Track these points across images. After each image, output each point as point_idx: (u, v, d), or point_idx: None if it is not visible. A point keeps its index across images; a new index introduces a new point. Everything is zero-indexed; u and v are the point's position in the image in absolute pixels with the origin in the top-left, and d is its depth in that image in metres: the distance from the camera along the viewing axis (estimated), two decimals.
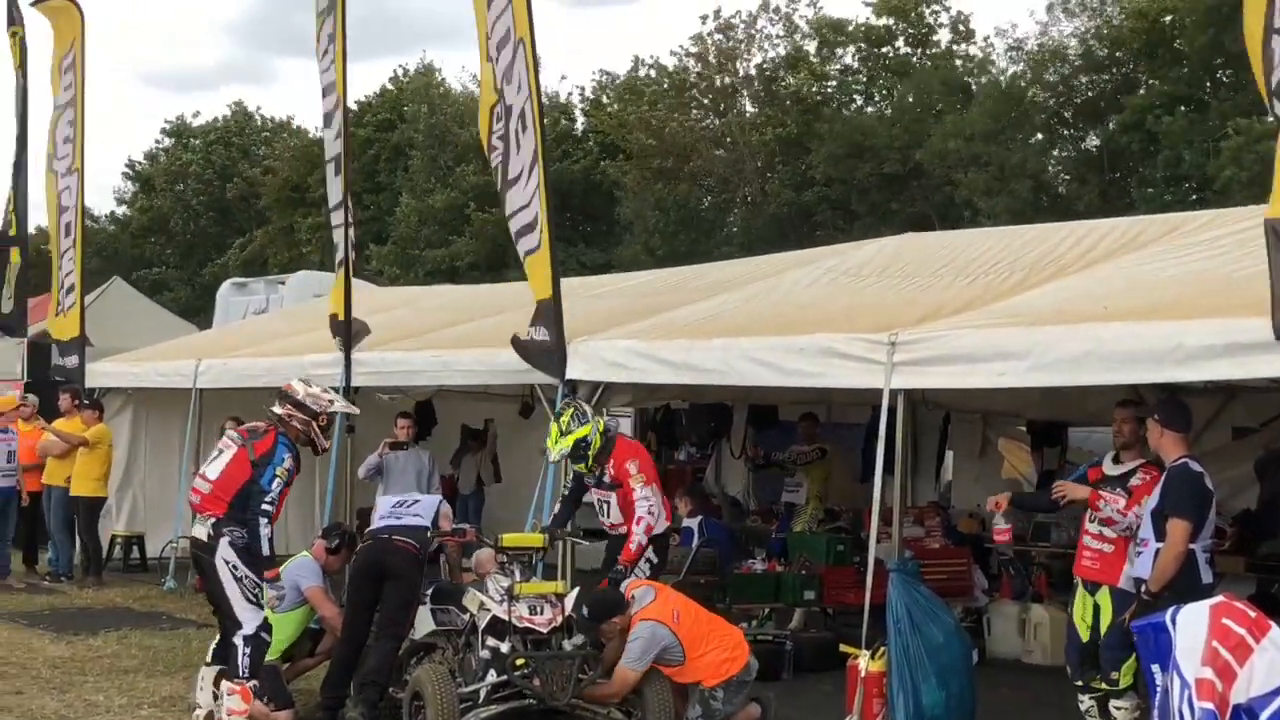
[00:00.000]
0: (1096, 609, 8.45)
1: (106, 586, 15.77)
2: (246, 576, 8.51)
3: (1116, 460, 8.63)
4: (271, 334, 17.23)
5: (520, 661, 8.42)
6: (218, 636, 8.76)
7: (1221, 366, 7.45)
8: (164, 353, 18.13)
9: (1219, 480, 11.97)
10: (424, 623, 8.97)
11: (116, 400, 17.91)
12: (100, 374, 17.69)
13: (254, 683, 8.42)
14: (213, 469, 8.73)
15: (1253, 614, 7.07)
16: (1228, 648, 6.86)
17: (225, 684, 8.38)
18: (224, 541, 8.49)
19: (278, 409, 8.88)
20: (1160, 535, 7.77)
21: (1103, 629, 8.39)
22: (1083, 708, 8.55)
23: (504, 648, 8.52)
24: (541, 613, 8.64)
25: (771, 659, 10.59)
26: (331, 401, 9.17)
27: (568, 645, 8.68)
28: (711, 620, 9.07)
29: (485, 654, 8.55)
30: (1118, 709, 8.34)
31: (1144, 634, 7.22)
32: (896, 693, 8.78)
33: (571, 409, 9.93)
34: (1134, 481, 8.44)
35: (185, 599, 14.90)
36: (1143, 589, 7.82)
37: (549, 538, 9.89)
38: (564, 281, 11.25)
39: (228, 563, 8.49)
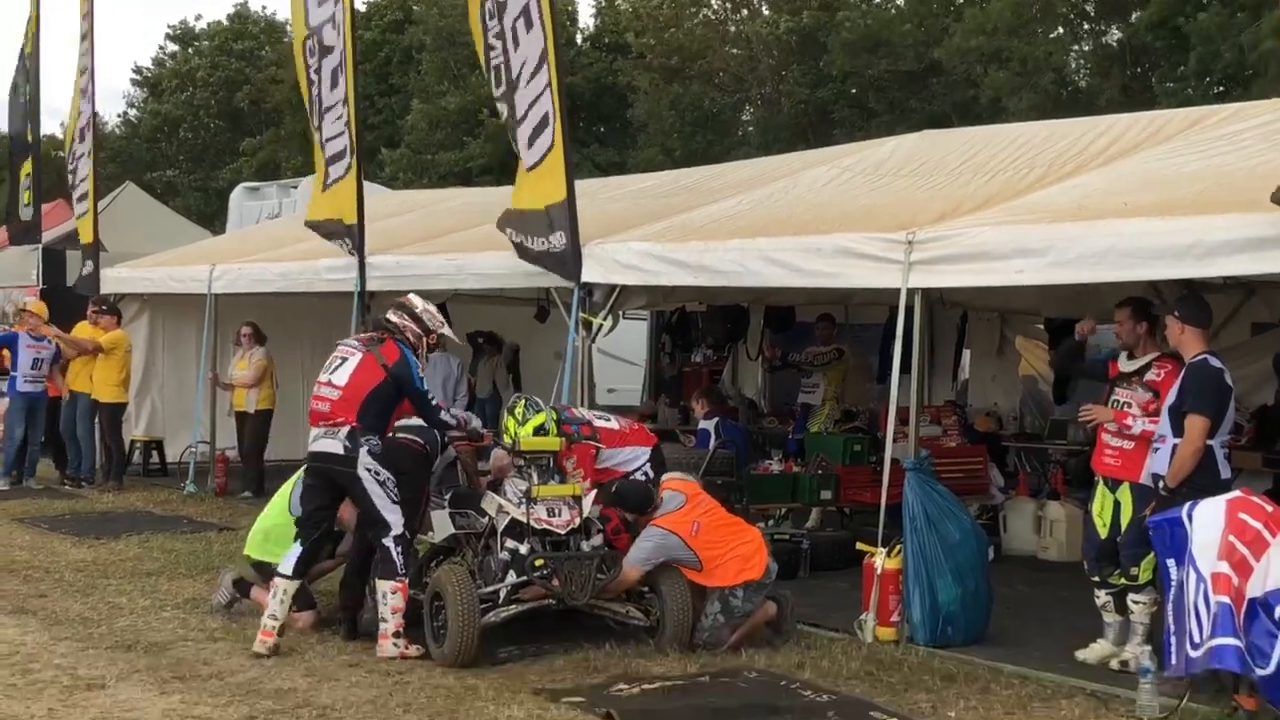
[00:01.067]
0: (1116, 505, 8.46)
1: (127, 491, 15.89)
2: (389, 479, 8.59)
3: (1130, 356, 8.61)
4: (285, 239, 17.17)
5: (539, 562, 8.48)
6: (296, 549, 8.70)
7: (1241, 262, 7.42)
8: (178, 258, 18.11)
9: (1237, 376, 11.94)
10: (443, 526, 9.02)
11: (132, 306, 17.92)
12: (114, 280, 17.69)
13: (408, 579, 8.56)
14: (340, 375, 8.68)
15: (1270, 509, 7.10)
16: (1244, 542, 6.90)
17: (386, 584, 8.46)
18: (363, 452, 8.52)
19: (393, 318, 8.91)
20: (1178, 431, 7.77)
21: (1123, 525, 8.41)
22: (1099, 603, 8.60)
23: (523, 549, 8.59)
24: (559, 515, 8.69)
25: (788, 558, 10.64)
26: (444, 323, 9.21)
27: (585, 546, 8.74)
28: (733, 525, 9.11)
29: (504, 555, 8.61)
30: (1136, 603, 8.38)
31: (1160, 529, 7.26)
32: (912, 590, 8.84)
33: (539, 421, 9.10)
34: (1150, 376, 8.42)
35: (206, 503, 15.03)
36: (1160, 485, 7.84)
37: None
38: (577, 184, 11.17)
39: (370, 470, 8.52)
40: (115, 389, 16.17)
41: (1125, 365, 8.60)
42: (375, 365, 8.66)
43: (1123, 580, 8.40)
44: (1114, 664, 8.33)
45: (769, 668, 8.33)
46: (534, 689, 7.78)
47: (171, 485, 16.29)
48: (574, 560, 8.58)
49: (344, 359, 8.77)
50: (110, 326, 16.23)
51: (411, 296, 9.19)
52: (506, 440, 9.10)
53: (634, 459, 9.83)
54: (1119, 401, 8.50)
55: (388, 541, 8.53)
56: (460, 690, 7.72)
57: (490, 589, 8.51)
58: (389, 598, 8.47)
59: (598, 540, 8.82)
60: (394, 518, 8.57)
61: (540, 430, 9.03)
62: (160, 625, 9.23)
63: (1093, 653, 8.54)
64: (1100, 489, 8.57)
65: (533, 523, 8.59)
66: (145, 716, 7.15)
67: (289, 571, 8.62)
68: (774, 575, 8.96)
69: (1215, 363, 7.85)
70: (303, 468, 9.33)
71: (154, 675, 7.97)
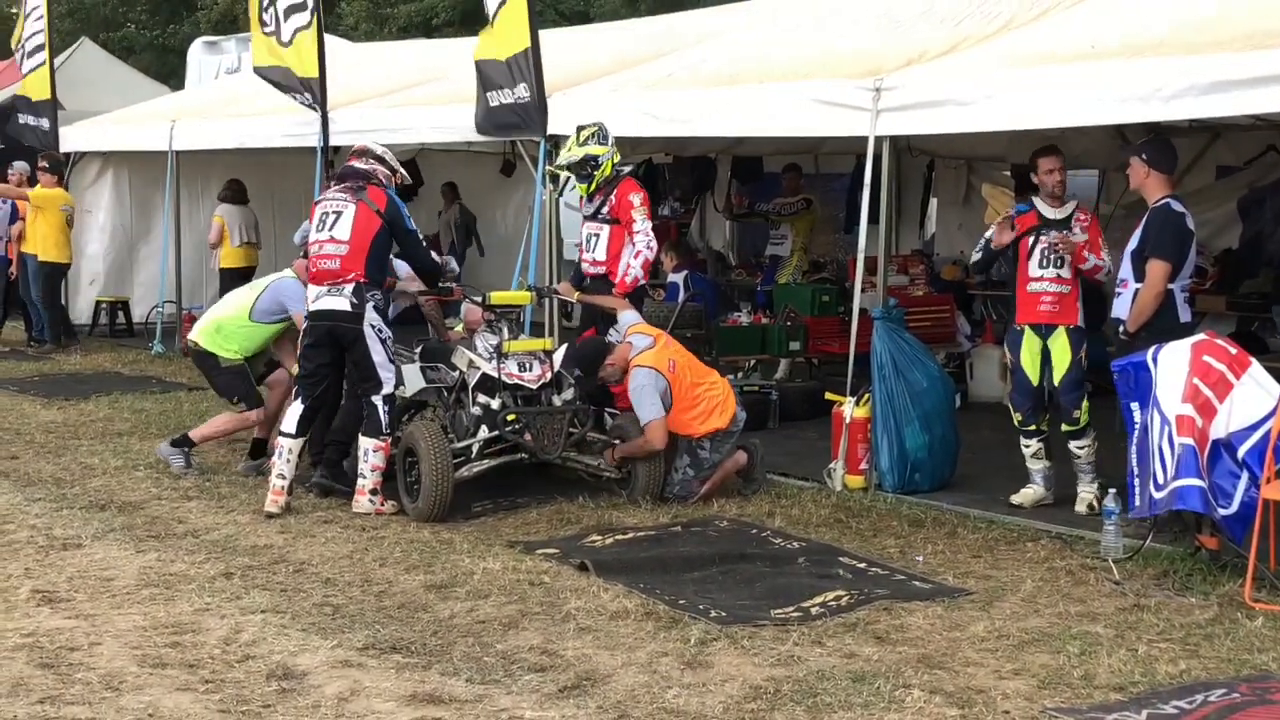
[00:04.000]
0: (1045, 353, 8.52)
1: (94, 352, 15.83)
2: (389, 338, 8.62)
3: (1054, 206, 8.59)
4: (246, 94, 16.93)
5: (511, 417, 8.52)
6: (297, 407, 8.67)
7: (1207, 104, 7.38)
8: (138, 115, 17.84)
9: (1202, 220, 11.99)
10: (414, 380, 9.04)
11: (94, 164, 17.72)
12: (73, 137, 17.44)
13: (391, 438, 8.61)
14: (341, 230, 8.56)
15: (1233, 351, 7.17)
16: (1208, 384, 6.97)
17: (369, 441, 8.49)
18: (369, 308, 8.51)
19: (361, 164, 8.82)
20: (1139, 276, 7.79)
21: (1056, 371, 8.49)
22: (1029, 452, 8.69)
23: (494, 404, 8.62)
24: (530, 369, 8.71)
25: (758, 409, 10.72)
26: (399, 166, 9.16)
27: (557, 401, 8.78)
28: (704, 372, 9.15)
29: (476, 410, 8.64)
30: (1080, 447, 8.49)
31: (1124, 372, 7.32)
32: (880, 437, 8.94)
33: (595, 129, 9.67)
34: (1075, 226, 8.48)
35: (174, 363, 15.01)
36: (1120, 329, 7.87)
37: (536, 295, 9.90)
38: (541, 34, 11.01)
39: (374, 327, 8.52)
40: (52, 248, 15.92)
41: (1052, 213, 8.56)
42: (370, 213, 8.58)
43: (1064, 426, 8.50)
44: (1080, 508, 8.44)
45: (740, 516, 8.44)
46: (508, 541, 7.87)
47: (138, 345, 16.26)
48: (546, 415, 8.62)
49: (339, 213, 8.62)
50: (50, 184, 15.98)
51: (368, 142, 9.12)
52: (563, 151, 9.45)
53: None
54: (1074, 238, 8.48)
55: (377, 399, 8.55)
56: (435, 544, 7.80)
57: (463, 444, 8.56)
58: (370, 455, 8.51)
59: (569, 394, 8.86)
60: (387, 375, 8.59)
61: (591, 161, 9.51)
62: (133, 485, 9.26)
63: (1026, 498, 8.66)
64: (1028, 337, 8.56)
65: (504, 378, 8.61)
66: (122, 574, 7.20)
67: (291, 430, 8.62)
68: (741, 424, 9.02)
69: (1177, 207, 7.85)
70: (272, 275, 9.52)
71: (129, 534, 8.02)
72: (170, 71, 35.25)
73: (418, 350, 9.28)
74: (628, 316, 9.33)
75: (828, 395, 9.61)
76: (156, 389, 13.24)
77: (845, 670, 5.74)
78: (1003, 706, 5.35)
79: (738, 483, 9.03)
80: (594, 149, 9.60)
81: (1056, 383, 8.49)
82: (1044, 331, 8.51)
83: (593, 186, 9.67)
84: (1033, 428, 8.64)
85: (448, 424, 8.79)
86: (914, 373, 8.97)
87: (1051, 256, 8.43)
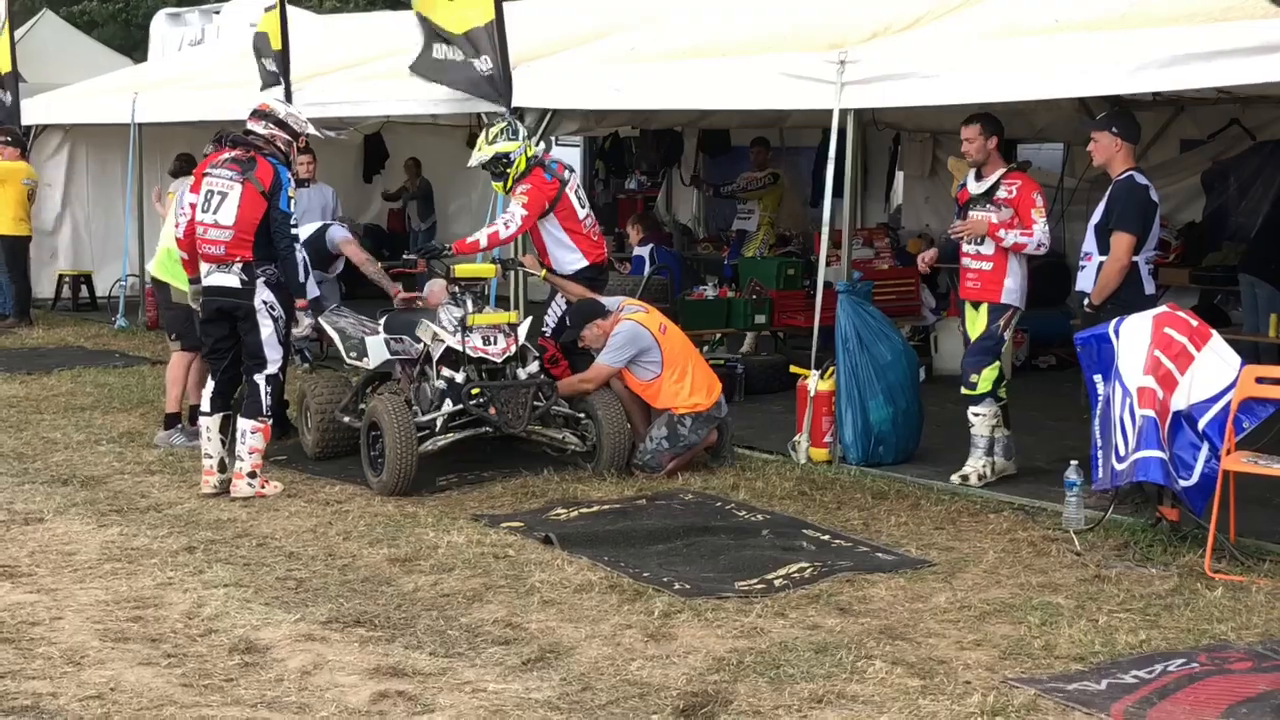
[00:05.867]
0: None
1: (57, 326, 15.72)
2: (281, 317, 8.41)
3: (979, 177, 8.62)
4: (209, 66, 16.81)
5: (475, 390, 8.50)
6: (210, 385, 8.58)
7: (1170, 76, 7.40)
8: (100, 87, 17.67)
9: (1166, 193, 12.03)
10: (378, 352, 9.02)
11: (55, 137, 17.58)
12: (34, 110, 17.28)
13: (271, 421, 8.51)
14: (225, 214, 8.30)
15: (1195, 323, 7.21)
16: (1170, 356, 7.00)
17: (247, 422, 8.34)
18: (260, 283, 8.31)
19: (260, 129, 8.49)
20: (1104, 249, 7.80)
21: (971, 337, 8.56)
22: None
23: (459, 377, 8.60)
24: (495, 343, 8.69)
25: (724, 383, 10.69)
26: (307, 122, 8.84)
27: (522, 374, 8.76)
28: (696, 355, 9.21)
29: (440, 384, 8.62)
30: (975, 415, 8.54)
31: (1087, 344, 7.36)
32: (845, 410, 8.95)
33: (505, 124, 9.65)
34: (1001, 194, 8.48)
35: (137, 337, 14.93)
36: (1085, 302, 7.90)
37: (501, 268, 9.87)
38: (505, 6, 10.95)
39: (266, 303, 8.33)
40: (13, 222, 15.81)
41: (975, 187, 8.61)
42: (256, 195, 8.28)
43: (963, 390, 8.55)
44: (954, 478, 8.51)
45: (705, 490, 8.45)
46: (473, 515, 7.86)
47: (101, 320, 16.14)
48: (510, 388, 8.60)
49: (223, 194, 8.33)
50: (12, 157, 15.84)
51: (271, 102, 8.86)
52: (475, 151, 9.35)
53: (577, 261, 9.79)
54: (982, 219, 8.52)
55: (259, 379, 8.37)
56: (399, 518, 7.79)
57: (427, 417, 8.54)
58: (248, 436, 8.32)
59: (534, 368, 8.84)
60: (274, 355, 8.42)
61: (503, 159, 9.45)
62: (96, 459, 9.21)
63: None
64: (968, 309, 8.67)
65: (468, 350, 8.58)
66: (84, 548, 7.17)
67: (207, 408, 8.53)
68: (724, 411, 9.04)
69: (1141, 179, 7.87)
70: None
71: (92, 508, 7.99)
72: (134, 44, 34.90)
73: (381, 321, 9.25)
74: (611, 300, 9.35)
75: (793, 368, 9.63)
76: (119, 363, 13.15)
77: (808, 642, 5.76)
78: (964, 677, 5.38)
79: (705, 457, 9.04)
80: (504, 146, 9.53)
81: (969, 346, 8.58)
82: (975, 305, 8.59)
83: (509, 184, 9.62)
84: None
85: (411, 397, 8.77)
86: (878, 346, 8.99)
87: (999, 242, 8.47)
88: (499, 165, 9.58)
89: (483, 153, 9.62)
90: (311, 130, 8.97)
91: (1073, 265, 8.63)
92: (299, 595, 6.43)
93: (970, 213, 8.57)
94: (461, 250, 9.49)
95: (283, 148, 8.53)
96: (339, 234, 10.02)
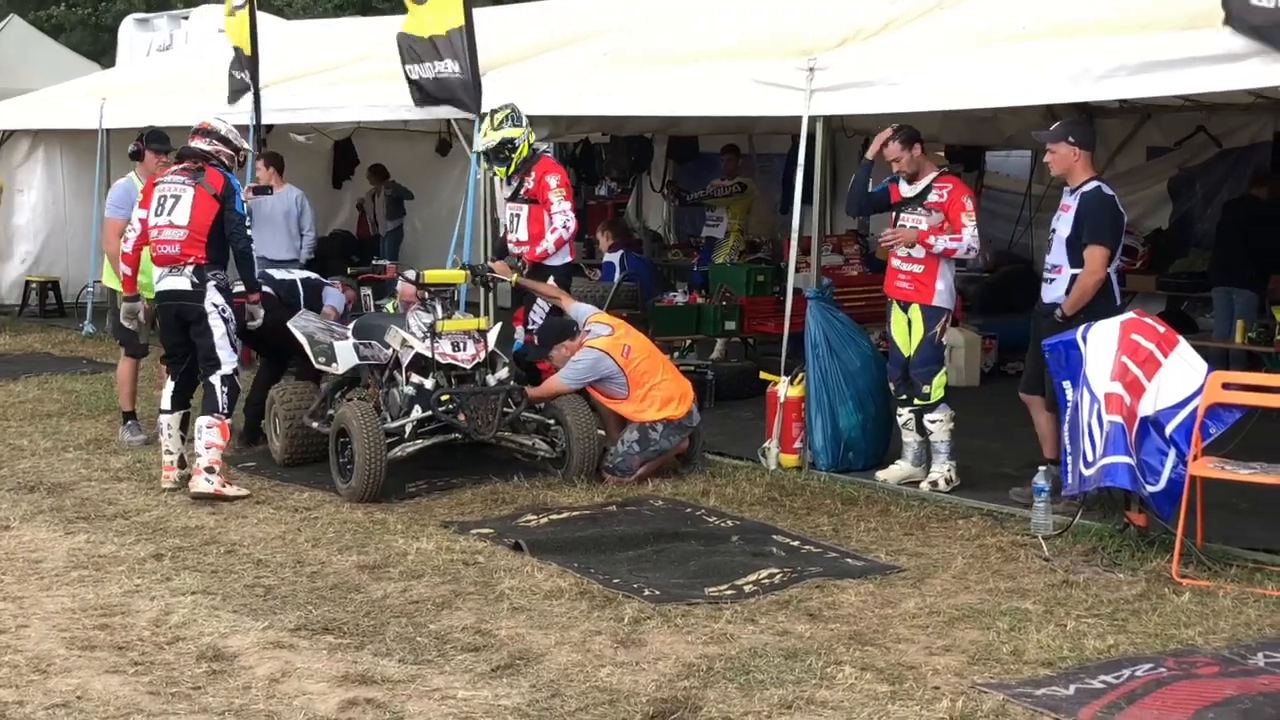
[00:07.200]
0: (910, 324, 8.61)
1: (23, 333, 15.62)
2: (232, 319, 8.66)
3: (911, 180, 8.66)
4: (177, 71, 16.74)
5: (445, 397, 8.48)
6: (169, 385, 8.81)
7: (1138, 84, 7.45)
8: (68, 92, 17.59)
9: (1133, 200, 12.09)
10: (347, 357, 8.99)
11: (24, 143, 17.47)
12: (2, 115, 17.19)
13: (229, 419, 8.67)
14: (179, 215, 8.60)
15: (1162, 329, 7.25)
16: (1137, 362, 7.04)
17: (204, 419, 8.47)
18: (210, 286, 8.57)
19: (203, 145, 8.83)
20: (1074, 262, 7.76)
21: (912, 346, 8.59)
22: (900, 422, 8.80)
23: (428, 384, 8.58)
24: (464, 349, 8.67)
25: (694, 389, 10.71)
26: (244, 138, 9.31)
27: (491, 380, 8.75)
28: (665, 365, 9.20)
29: (409, 390, 8.60)
30: (933, 422, 8.58)
31: (1056, 351, 7.38)
32: (814, 416, 8.97)
33: (509, 111, 9.73)
34: (933, 198, 8.51)
35: (105, 343, 14.79)
36: (1057, 313, 7.86)
37: (471, 274, 9.86)
38: (474, 12, 10.95)
39: (217, 306, 8.58)
40: None
41: (906, 191, 8.66)
42: (208, 197, 8.63)
43: (916, 400, 8.59)
44: (924, 485, 8.54)
45: (675, 496, 8.44)
46: (442, 521, 7.85)
47: (69, 326, 16.07)
48: (479, 395, 8.58)
49: (176, 197, 8.68)
50: None
51: (211, 120, 9.13)
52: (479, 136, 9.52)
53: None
54: (908, 226, 8.57)
55: (215, 379, 8.58)
56: (369, 524, 7.76)
57: (396, 424, 8.51)
58: (205, 432, 8.47)
59: (504, 374, 8.83)
60: (227, 356, 8.63)
61: (508, 144, 9.59)
62: (63, 466, 9.16)
63: (892, 474, 8.76)
64: (895, 311, 8.69)
65: (438, 357, 8.57)
66: (51, 556, 7.13)
67: (167, 406, 8.78)
68: (696, 420, 9.05)
69: (1108, 190, 7.88)
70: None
71: (59, 515, 7.94)
72: (102, 50, 34.70)
73: (350, 326, 9.22)
74: (580, 309, 9.37)
75: (762, 375, 9.65)
76: (87, 370, 13.08)
77: (778, 647, 5.77)
78: (933, 682, 5.40)
79: (675, 463, 9.04)
80: (509, 132, 9.66)
81: (911, 356, 8.61)
82: (904, 306, 8.63)
83: (511, 169, 9.72)
84: (904, 397, 8.72)
85: (380, 403, 8.75)
86: (848, 352, 9.01)
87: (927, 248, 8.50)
88: (503, 150, 9.72)
89: (488, 138, 9.76)
90: (246, 144, 9.50)
91: (1040, 273, 8.65)
92: (267, 602, 6.40)
93: (903, 216, 8.60)
94: (533, 260, 9.74)
95: (226, 162, 8.90)
96: (334, 296, 10.15)
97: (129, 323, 9.38)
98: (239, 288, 8.90)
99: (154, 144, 10.05)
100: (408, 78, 11.34)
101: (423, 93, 11.33)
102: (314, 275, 10.45)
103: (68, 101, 17.00)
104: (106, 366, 13.24)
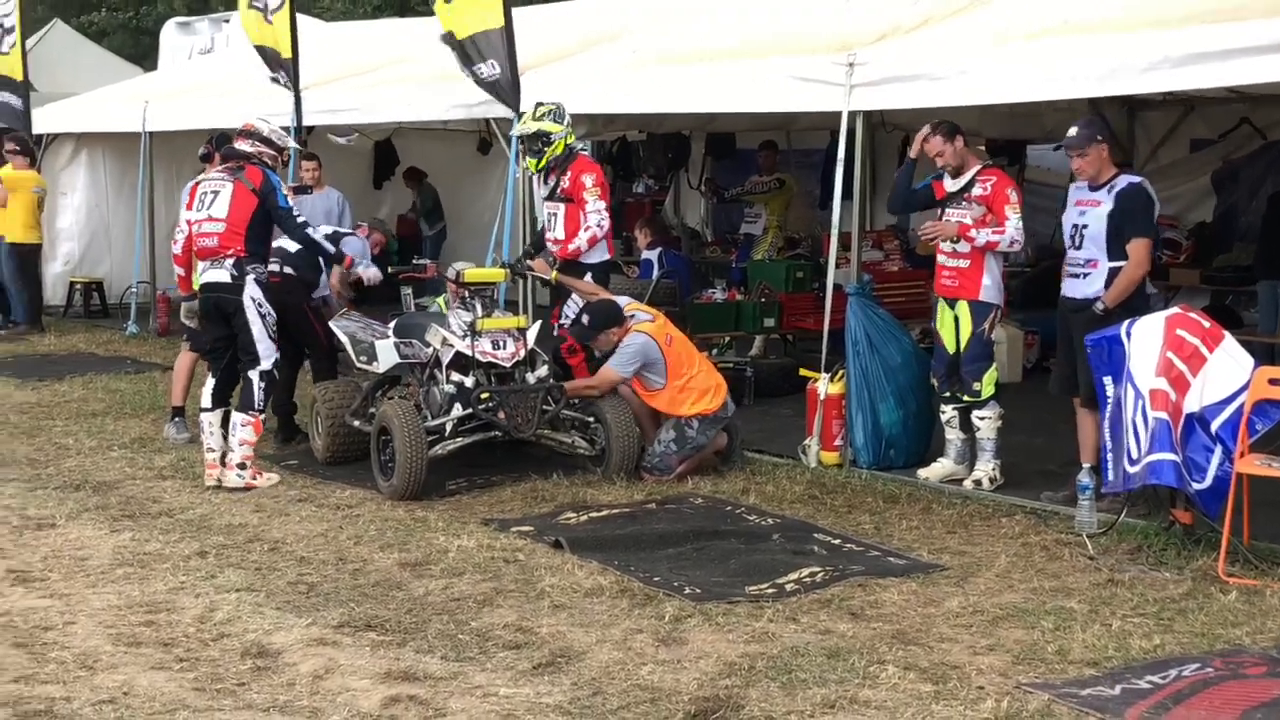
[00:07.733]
0: (957, 321, 8.55)
1: (68, 333, 15.74)
2: (270, 315, 8.76)
3: (955, 175, 8.59)
4: (218, 75, 16.83)
5: (485, 395, 8.50)
6: (210, 382, 8.87)
7: (1181, 76, 7.39)
8: (111, 96, 17.72)
9: (1175, 194, 11.99)
10: (388, 356, 9.03)
11: (68, 146, 17.60)
12: (45, 119, 17.31)
13: (264, 416, 8.78)
14: (218, 209, 8.77)
15: (1207, 324, 7.18)
16: (1182, 358, 6.98)
17: (239, 416, 8.61)
18: (250, 279, 8.70)
19: (246, 147, 8.96)
20: (1113, 255, 7.70)
21: (962, 342, 8.52)
22: (944, 418, 8.74)
23: (468, 382, 8.60)
24: (504, 347, 8.69)
25: (733, 386, 10.68)
26: (287, 136, 9.38)
27: (531, 378, 8.76)
28: (701, 359, 9.20)
29: (450, 388, 8.62)
30: (982, 419, 8.51)
31: (1098, 346, 7.32)
32: (855, 413, 8.93)
33: (553, 107, 9.74)
34: (977, 191, 8.44)
35: (148, 343, 14.94)
36: (1098, 305, 7.79)
37: (510, 272, 9.89)
38: (514, 11, 10.96)
39: (254, 300, 8.69)
40: (23, 229, 15.84)
41: (951, 185, 8.60)
42: (247, 192, 8.77)
43: (965, 397, 8.53)
44: (967, 483, 8.48)
45: (714, 494, 8.43)
46: (483, 519, 7.86)
47: (113, 326, 16.17)
48: (519, 393, 8.60)
49: (216, 192, 8.85)
50: (22, 166, 15.88)
51: (255, 121, 9.21)
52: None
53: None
54: (953, 221, 8.51)
55: (253, 374, 8.68)
56: (410, 522, 7.79)
57: (436, 422, 8.54)
58: (239, 429, 8.61)
59: (543, 372, 8.84)
60: (266, 351, 8.72)
61: (542, 137, 9.62)
62: (108, 465, 9.23)
63: (934, 471, 8.71)
64: (941, 307, 8.63)
65: (478, 355, 8.59)
66: (96, 553, 7.18)
67: (208, 404, 8.84)
68: (731, 412, 9.04)
69: (1137, 180, 7.84)
70: None
71: (104, 513, 8.00)
72: (143, 53, 34.94)
73: (391, 325, 9.26)
74: (618, 300, 9.38)
75: (802, 371, 9.61)
76: (131, 369, 13.17)
77: (820, 646, 5.75)
78: (977, 682, 5.37)
79: (715, 461, 9.03)
80: (547, 126, 9.68)
81: (961, 353, 8.55)
82: (950, 303, 8.57)
83: (542, 163, 9.76)
84: (948, 394, 8.67)
85: (421, 401, 8.78)
86: (888, 348, 8.97)
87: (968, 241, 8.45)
88: (537, 142, 9.74)
89: (526, 126, 9.81)
90: (291, 144, 9.56)
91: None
92: (310, 599, 6.43)
93: (947, 211, 8.55)
94: (564, 257, 9.81)
95: (269, 163, 9.00)
96: (352, 245, 10.13)
97: (189, 321, 9.51)
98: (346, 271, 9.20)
99: (224, 147, 10.04)
100: (476, 79, 11.26)
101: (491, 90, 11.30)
102: (333, 228, 10.45)
103: (110, 105, 17.12)
104: (150, 366, 13.36)
